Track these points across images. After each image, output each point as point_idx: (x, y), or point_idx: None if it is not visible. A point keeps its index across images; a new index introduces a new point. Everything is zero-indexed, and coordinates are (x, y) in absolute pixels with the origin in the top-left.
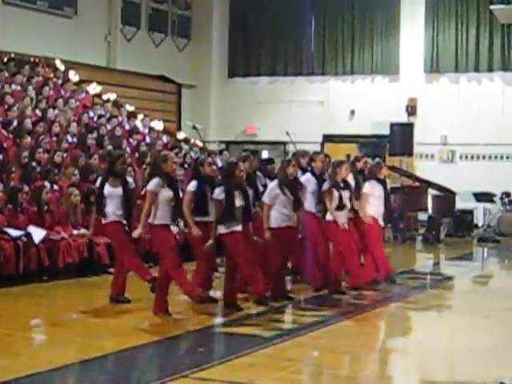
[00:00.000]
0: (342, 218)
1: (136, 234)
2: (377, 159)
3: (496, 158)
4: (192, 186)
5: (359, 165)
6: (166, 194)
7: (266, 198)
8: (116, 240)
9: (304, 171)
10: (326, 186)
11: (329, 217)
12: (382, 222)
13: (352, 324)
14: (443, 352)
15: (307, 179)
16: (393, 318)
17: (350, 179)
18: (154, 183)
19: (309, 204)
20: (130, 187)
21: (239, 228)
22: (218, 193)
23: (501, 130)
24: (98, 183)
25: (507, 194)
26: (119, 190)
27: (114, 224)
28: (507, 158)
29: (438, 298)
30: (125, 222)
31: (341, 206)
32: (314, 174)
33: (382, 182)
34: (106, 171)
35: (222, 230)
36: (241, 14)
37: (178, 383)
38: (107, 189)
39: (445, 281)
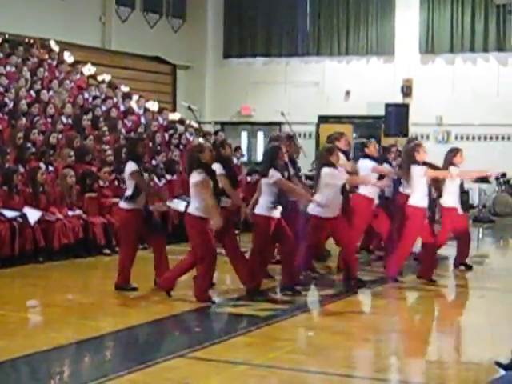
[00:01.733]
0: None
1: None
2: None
3: (491, 138)
4: (220, 168)
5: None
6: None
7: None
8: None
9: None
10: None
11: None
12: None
13: (347, 304)
14: (438, 332)
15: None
16: (387, 298)
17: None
18: (200, 174)
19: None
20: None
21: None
22: (273, 174)
23: (496, 110)
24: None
25: (503, 175)
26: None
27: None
28: (502, 138)
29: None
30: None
31: None
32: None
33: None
34: (126, 156)
35: (276, 213)
36: None
37: (174, 363)
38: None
39: (440, 261)
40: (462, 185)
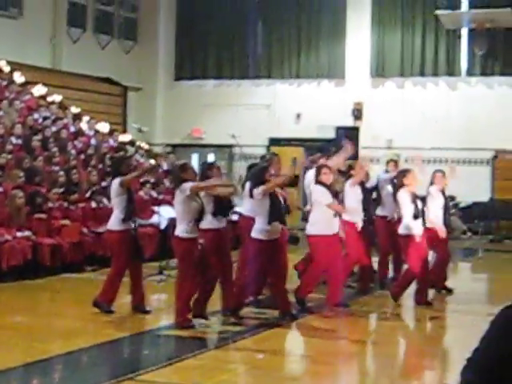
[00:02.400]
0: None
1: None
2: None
3: (441, 161)
4: None
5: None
6: (196, 204)
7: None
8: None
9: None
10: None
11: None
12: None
13: (298, 326)
14: (388, 356)
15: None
16: (338, 321)
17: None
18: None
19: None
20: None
21: None
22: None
23: (446, 134)
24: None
25: (451, 198)
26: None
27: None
28: (452, 162)
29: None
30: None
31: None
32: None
33: None
34: (112, 176)
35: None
36: (187, 17)
37: None
38: None
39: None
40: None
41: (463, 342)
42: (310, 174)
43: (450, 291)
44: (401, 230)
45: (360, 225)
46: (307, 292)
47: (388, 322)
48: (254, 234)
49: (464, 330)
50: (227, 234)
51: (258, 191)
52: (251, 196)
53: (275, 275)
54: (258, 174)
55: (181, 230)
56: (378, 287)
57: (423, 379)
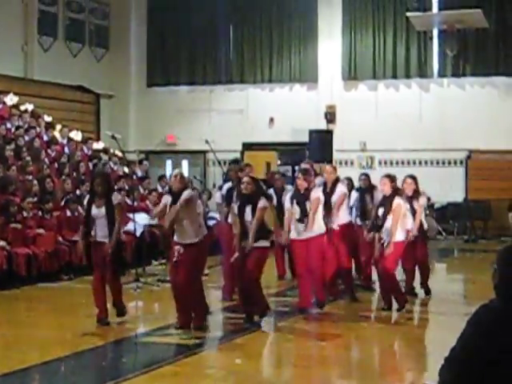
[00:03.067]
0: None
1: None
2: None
3: (414, 163)
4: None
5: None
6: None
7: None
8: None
9: None
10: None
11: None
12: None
13: (276, 332)
14: (370, 357)
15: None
16: (320, 323)
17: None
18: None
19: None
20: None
21: None
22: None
23: (419, 135)
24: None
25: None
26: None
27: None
28: (425, 163)
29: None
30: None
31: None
32: None
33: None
34: (89, 192)
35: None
36: (159, 24)
37: None
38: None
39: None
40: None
41: (441, 342)
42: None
43: (415, 295)
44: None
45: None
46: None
47: (365, 324)
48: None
49: (441, 330)
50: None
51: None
52: (241, 216)
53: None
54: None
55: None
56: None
57: (402, 380)
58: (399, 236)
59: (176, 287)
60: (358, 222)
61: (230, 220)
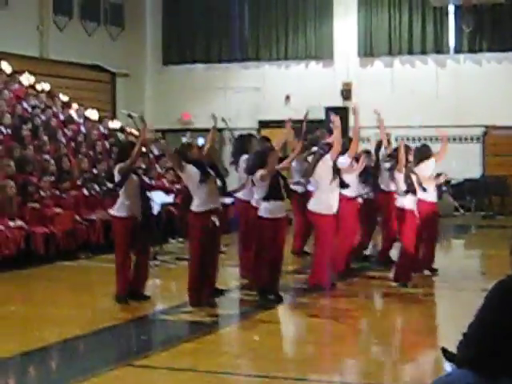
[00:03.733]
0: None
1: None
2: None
3: (431, 139)
4: None
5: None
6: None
7: None
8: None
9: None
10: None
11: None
12: None
13: (294, 309)
14: (383, 333)
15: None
16: (334, 301)
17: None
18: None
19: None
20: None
21: None
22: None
23: (435, 112)
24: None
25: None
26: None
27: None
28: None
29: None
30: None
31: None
32: None
33: None
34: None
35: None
36: (174, 1)
37: (121, 372)
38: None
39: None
40: None
41: (458, 318)
42: None
43: (434, 271)
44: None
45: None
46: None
47: (381, 300)
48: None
49: (459, 306)
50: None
51: (256, 177)
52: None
53: (272, 254)
54: (258, 159)
55: None
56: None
57: (420, 355)
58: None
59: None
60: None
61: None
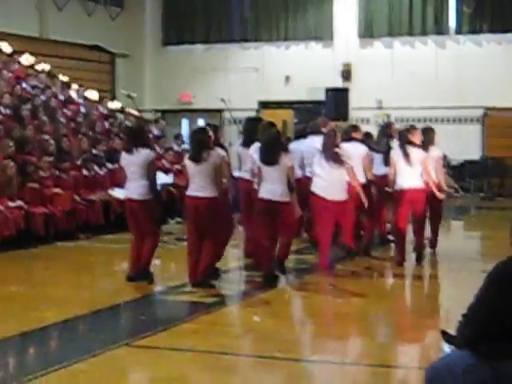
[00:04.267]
0: None
1: None
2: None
3: (430, 120)
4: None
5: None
6: None
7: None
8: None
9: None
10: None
11: None
12: None
13: (293, 290)
14: (381, 314)
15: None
16: (333, 282)
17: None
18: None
19: None
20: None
21: None
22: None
23: (435, 93)
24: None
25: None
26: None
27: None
28: (442, 120)
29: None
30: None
31: None
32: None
33: None
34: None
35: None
36: None
37: (120, 351)
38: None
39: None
40: None
41: (458, 299)
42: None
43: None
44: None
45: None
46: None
47: (381, 281)
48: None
49: (459, 287)
50: None
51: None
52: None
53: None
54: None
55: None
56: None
57: (421, 336)
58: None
59: None
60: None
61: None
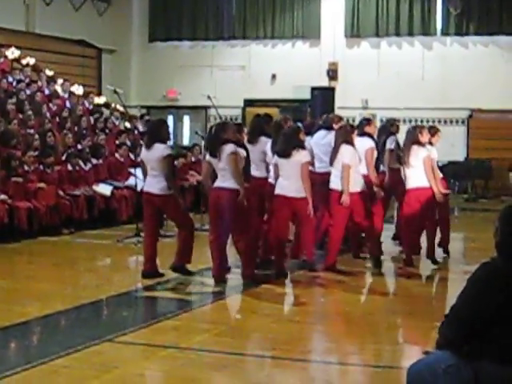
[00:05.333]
0: None
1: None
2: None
3: (416, 121)
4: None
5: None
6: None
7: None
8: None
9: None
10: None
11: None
12: None
13: (275, 287)
14: (372, 315)
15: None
16: (319, 282)
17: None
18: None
19: None
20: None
21: None
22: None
23: (420, 94)
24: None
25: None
26: None
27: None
28: (427, 121)
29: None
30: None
31: None
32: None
33: None
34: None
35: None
36: None
37: (102, 347)
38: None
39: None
40: None
41: (442, 300)
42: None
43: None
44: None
45: None
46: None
47: (365, 280)
48: None
49: (442, 288)
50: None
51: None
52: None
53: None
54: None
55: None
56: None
57: (403, 337)
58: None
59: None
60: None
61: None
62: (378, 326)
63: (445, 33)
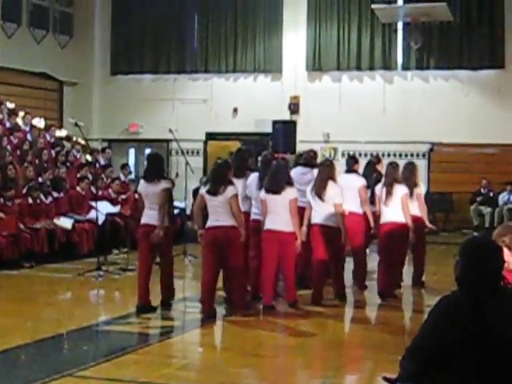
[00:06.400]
0: None
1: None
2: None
3: (377, 155)
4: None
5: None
6: None
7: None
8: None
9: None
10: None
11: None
12: None
13: (236, 322)
14: (328, 347)
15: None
16: (286, 315)
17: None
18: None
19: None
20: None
21: None
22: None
23: (382, 127)
24: None
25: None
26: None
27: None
28: (388, 155)
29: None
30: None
31: None
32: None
33: None
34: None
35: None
36: (123, 11)
37: (62, 382)
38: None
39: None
40: None
41: (402, 333)
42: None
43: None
44: None
45: None
46: None
47: (327, 316)
48: None
49: (403, 321)
50: None
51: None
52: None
53: None
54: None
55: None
56: None
57: (362, 370)
58: None
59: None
60: None
61: None
62: (333, 359)
63: (405, 67)
